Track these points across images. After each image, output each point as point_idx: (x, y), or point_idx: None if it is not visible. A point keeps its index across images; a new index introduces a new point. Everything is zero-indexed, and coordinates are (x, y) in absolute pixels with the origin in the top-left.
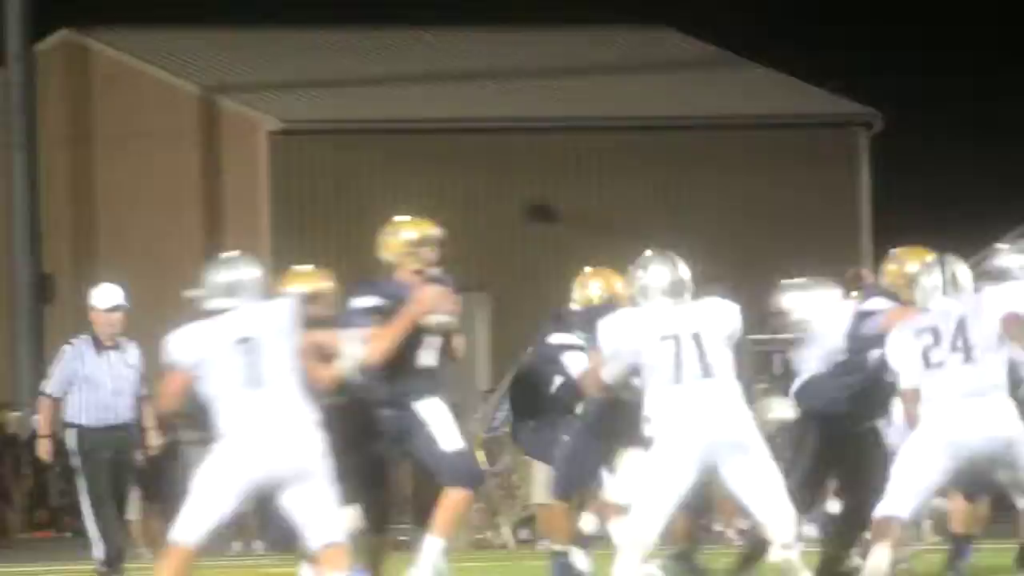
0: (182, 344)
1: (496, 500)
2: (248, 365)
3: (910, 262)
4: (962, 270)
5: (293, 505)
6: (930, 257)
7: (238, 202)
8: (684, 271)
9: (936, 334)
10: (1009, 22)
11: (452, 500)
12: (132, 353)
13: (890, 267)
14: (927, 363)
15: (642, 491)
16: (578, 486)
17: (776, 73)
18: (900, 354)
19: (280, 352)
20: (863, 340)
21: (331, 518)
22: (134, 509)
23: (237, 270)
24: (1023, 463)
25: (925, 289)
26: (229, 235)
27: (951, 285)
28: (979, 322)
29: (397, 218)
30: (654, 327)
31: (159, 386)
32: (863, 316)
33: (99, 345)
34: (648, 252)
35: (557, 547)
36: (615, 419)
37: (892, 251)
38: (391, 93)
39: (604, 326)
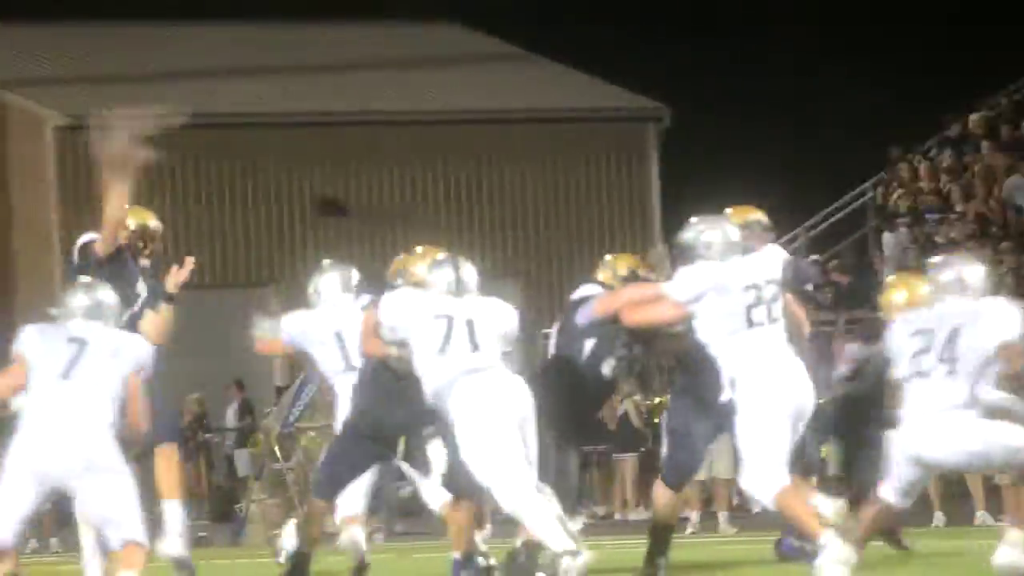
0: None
1: (293, 495)
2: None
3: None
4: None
5: (89, 502)
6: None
7: (25, 197)
8: (469, 274)
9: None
10: (800, 21)
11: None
12: None
13: (606, 271)
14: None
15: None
16: (339, 489)
17: (564, 68)
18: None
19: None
20: (576, 330)
21: (129, 515)
22: None
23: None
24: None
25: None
26: (16, 230)
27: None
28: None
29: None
30: (430, 308)
31: None
32: (575, 305)
33: None
34: (440, 255)
35: (291, 547)
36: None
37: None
38: (180, 88)
39: (386, 301)
